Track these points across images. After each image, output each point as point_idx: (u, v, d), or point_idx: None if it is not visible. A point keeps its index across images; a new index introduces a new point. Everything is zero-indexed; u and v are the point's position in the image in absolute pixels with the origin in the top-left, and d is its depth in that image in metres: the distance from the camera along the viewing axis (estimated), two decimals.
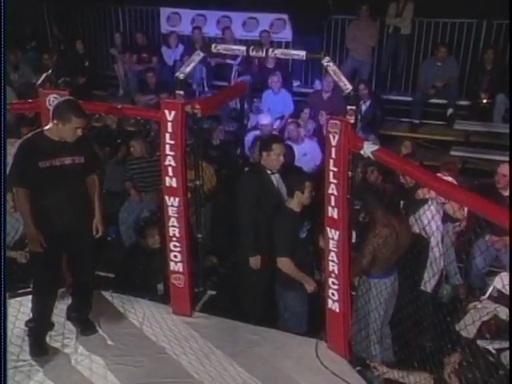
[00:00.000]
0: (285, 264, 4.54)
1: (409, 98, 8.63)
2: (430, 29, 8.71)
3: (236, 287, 5.13)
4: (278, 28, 9.53)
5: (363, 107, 7.76)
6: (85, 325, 4.43)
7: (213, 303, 4.98)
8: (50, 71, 5.19)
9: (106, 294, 4.88)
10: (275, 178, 4.88)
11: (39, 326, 4.25)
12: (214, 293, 5.07)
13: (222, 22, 9.91)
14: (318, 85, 9.09)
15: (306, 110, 7.77)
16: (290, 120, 7.51)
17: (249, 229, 4.82)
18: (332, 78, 7.93)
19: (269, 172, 4.84)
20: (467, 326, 4.21)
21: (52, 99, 4.42)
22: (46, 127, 3.94)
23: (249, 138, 6.99)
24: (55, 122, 3.86)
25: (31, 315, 4.31)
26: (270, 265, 4.86)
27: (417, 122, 8.33)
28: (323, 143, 6.95)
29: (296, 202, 4.54)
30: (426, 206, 4.74)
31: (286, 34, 9.44)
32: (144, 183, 6.62)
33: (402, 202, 4.76)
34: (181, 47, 9.88)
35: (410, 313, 4.52)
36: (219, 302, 5.01)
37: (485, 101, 8.02)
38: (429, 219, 4.62)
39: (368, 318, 4.24)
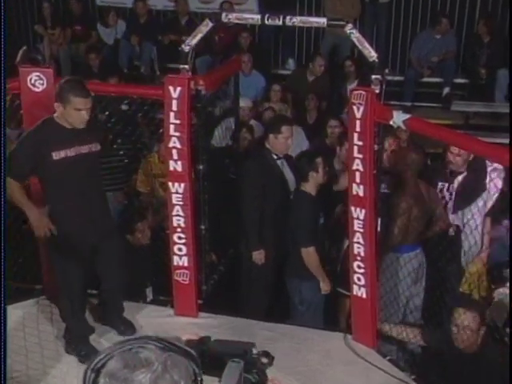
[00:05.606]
0: (311, 254, 5.27)
1: (398, 78, 9.61)
2: None
3: (234, 286, 5.87)
4: None
5: (349, 88, 8.62)
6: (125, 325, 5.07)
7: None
8: (25, 47, 5.61)
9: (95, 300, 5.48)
10: (281, 164, 5.68)
11: (77, 333, 4.83)
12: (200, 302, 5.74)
13: None
14: (291, 64, 10.00)
15: (278, 87, 8.44)
16: (266, 105, 8.28)
17: (253, 220, 5.59)
18: (323, 59, 8.85)
19: (275, 157, 5.63)
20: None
21: (34, 78, 5.05)
22: (55, 113, 4.45)
23: (227, 124, 7.74)
24: (56, 104, 4.38)
25: (65, 326, 4.92)
26: (276, 259, 5.65)
27: (408, 104, 9.18)
28: (306, 129, 7.85)
29: (312, 184, 5.31)
30: None
31: (251, 5, 10.21)
32: (105, 181, 7.25)
33: None
34: (122, 23, 10.52)
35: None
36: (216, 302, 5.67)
37: (484, 77, 9.05)
38: None
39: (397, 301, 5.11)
